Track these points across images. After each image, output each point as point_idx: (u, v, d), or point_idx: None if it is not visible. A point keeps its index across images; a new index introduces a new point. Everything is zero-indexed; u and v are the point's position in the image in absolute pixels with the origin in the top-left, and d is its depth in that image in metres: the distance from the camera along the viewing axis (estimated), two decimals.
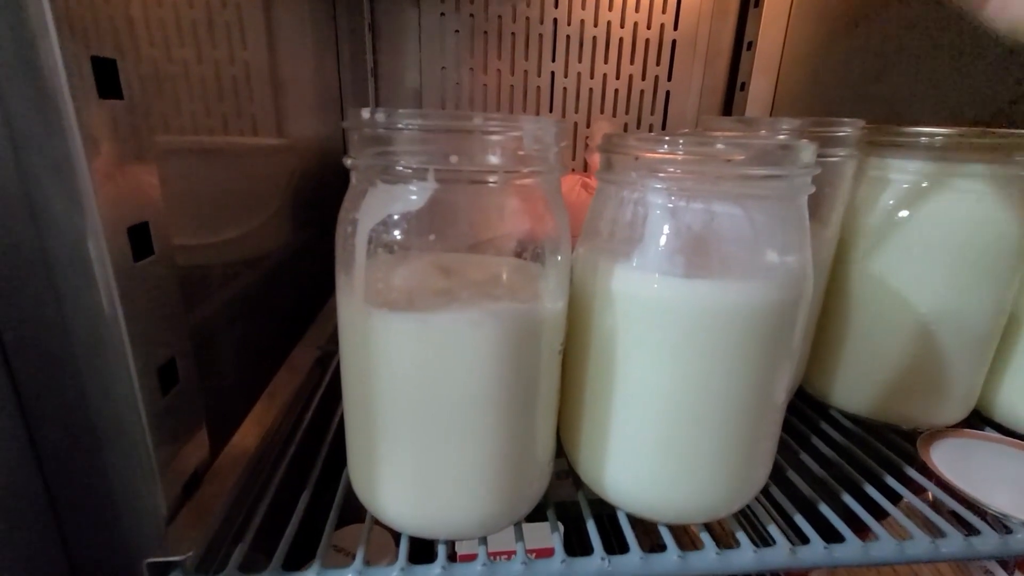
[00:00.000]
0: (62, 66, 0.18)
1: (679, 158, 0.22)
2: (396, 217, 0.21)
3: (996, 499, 0.29)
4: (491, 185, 0.21)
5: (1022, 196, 0.32)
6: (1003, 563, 0.46)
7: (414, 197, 0.21)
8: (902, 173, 0.33)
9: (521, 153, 0.21)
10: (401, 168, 0.20)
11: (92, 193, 0.19)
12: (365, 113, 0.21)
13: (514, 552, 0.25)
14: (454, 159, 0.20)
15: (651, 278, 0.24)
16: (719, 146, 0.23)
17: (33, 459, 0.22)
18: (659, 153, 0.23)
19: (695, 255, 0.23)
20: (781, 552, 0.26)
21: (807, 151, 0.23)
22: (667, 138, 0.23)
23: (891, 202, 0.34)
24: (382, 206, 0.21)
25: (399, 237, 0.21)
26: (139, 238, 0.22)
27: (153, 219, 0.23)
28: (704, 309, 0.23)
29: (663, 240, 0.23)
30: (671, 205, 0.23)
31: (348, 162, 0.22)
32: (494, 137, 0.20)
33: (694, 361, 0.24)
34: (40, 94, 0.18)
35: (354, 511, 0.28)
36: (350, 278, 0.22)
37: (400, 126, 0.20)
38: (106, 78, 0.20)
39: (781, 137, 0.32)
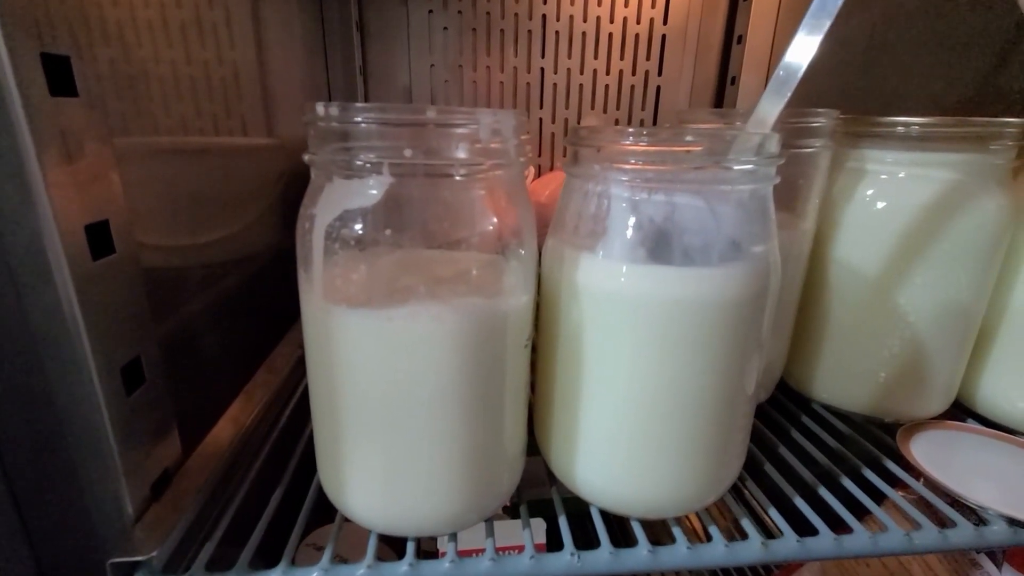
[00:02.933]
0: (8, 63, 0.18)
1: (640, 149, 0.22)
2: (353, 212, 0.21)
3: (975, 490, 0.29)
4: (449, 179, 0.21)
5: (999, 185, 0.32)
6: (992, 556, 0.46)
7: (371, 192, 0.20)
8: (879, 164, 0.33)
9: (479, 146, 0.21)
10: (357, 162, 0.20)
11: (44, 191, 0.19)
12: (320, 108, 0.20)
13: (484, 549, 0.25)
14: (408, 152, 0.20)
15: (616, 271, 0.23)
16: (685, 137, 0.23)
17: None
18: (620, 145, 0.22)
19: (659, 247, 0.23)
20: (753, 546, 0.26)
21: (771, 141, 0.23)
22: (631, 130, 0.23)
23: (868, 193, 0.33)
24: (339, 201, 0.21)
25: (357, 232, 0.21)
26: (98, 236, 0.22)
27: (114, 217, 0.23)
28: (669, 301, 0.23)
29: (627, 232, 0.23)
30: (634, 197, 0.23)
31: (306, 157, 0.22)
32: (449, 130, 0.20)
33: (660, 354, 0.24)
34: None
35: (332, 511, 0.28)
36: (309, 275, 0.22)
37: (355, 120, 0.20)
38: (59, 75, 0.20)
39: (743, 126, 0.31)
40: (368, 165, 0.20)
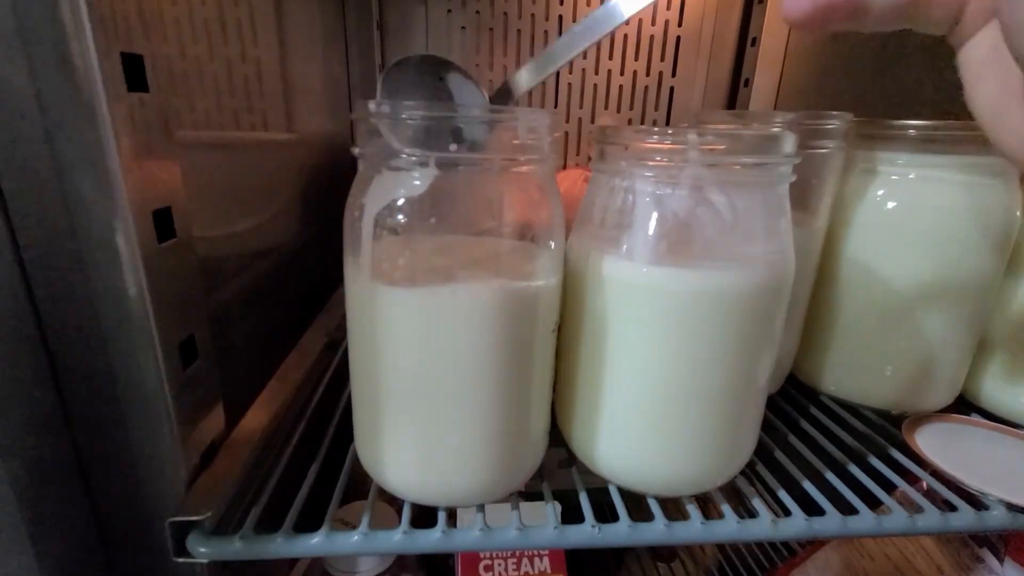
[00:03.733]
0: (96, 61, 0.20)
1: (665, 147, 0.23)
2: (400, 202, 0.22)
3: (976, 478, 0.30)
4: (489, 172, 0.23)
5: (1006, 186, 0.33)
6: (993, 549, 0.47)
7: (417, 183, 0.22)
8: (890, 165, 0.34)
9: (516, 142, 0.23)
10: (405, 156, 0.22)
11: (121, 179, 0.21)
12: (372, 105, 0.22)
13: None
14: (453, 147, 0.22)
15: (639, 263, 0.25)
16: (706, 137, 0.24)
17: (65, 426, 0.24)
18: (647, 143, 0.24)
19: (680, 241, 0.24)
20: (763, 523, 0.27)
21: (788, 141, 0.24)
22: (656, 129, 0.24)
23: (879, 193, 0.35)
24: (387, 191, 0.23)
25: (403, 220, 0.23)
26: (162, 222, 0.24)
27: (175, 204, 0.25)
28: (689, 293, 0.24)
29: (650, 226, 0.25)
30: (658, 192, 0.24)
31: (356, 151, 0.24)
32: (491, 127, 0.22)
33: (679, 343, 0.25)
34: (74, 87, 0.20)
35: (360, 491, 0.30)
36: (357, 259, 0.24)
37: (403, 117, 0.22)
38: (134, 72, 0.22)
39: (765, 128, 0.33)
40: (415, 158, 0.22)
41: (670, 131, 0.24)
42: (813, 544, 0.56)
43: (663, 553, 0.67)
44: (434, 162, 0.22)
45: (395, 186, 0.22)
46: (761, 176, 0.24)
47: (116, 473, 0.25)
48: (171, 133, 0.25)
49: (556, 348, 0.29)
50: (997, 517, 0.28)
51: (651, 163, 0.24)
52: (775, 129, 0.34)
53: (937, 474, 0.31)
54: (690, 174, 0.23)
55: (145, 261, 0.23)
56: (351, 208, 0.24)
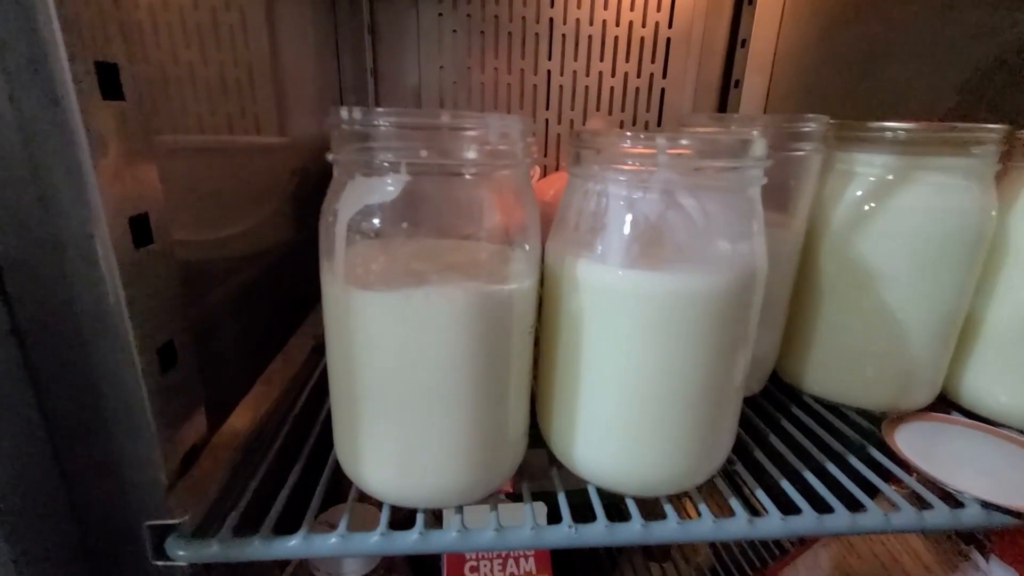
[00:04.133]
0: (68, 71, 0.20)
1: (636, 152, 0.24)
2: (373, 207, 0.23)
3: (954, 476, 0.31)
4: (461, 177, 0.23)
5: (982, 188, 0.33)
6: (980, 547, 0.47)
7: (389, 188, 0.22)
8: (868, 167, 0.35)
9: (488, 148, 0.23)
10: (377, 162, 0.22)
11: (96, 185, 0.21)
12: (344, 112, 0.22)
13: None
14: (424, 153, 0.22)
15: (612, 265, 0.25)
16: (676, 141, 0.25)
17: (45, 430, 0.24)
18: (618, 147, 0.24)
19: (653, 244, 0.25)
20: (739, 522, 0.27)
21: (757, 145, 0.24)
22: (628, 134, 0.25)
23: (857, 194, 0.35)
24: (360, 197, 0.23)
25: (376, 225, 0.23)
26: (140, 228, 0.24)
27: (153, 210, 0.25)
28: (661, 295, 0.25)
29: (624, 229, 0.25)
30: (630, 196, 0.24)
31: (330, 157, 0.24)
32: (462, 133, 0.22)
33: (653, 343, 0.25)
34: (49, 96, 0.20)
35: (342, 494, 0.30)
36: (332, 263, 0.24)
37: (375, 123, 0.22)
38: (109, 81, 0.22)
39: (738, 132, 0.33)
40: (387, 164, 0.22)
41: (643, 135, 0.24)
42: (804, 543, 0.57)
43: (657, 553, 0.67)
44: (406, 168, 0.22)
45: (368, 192, 0.23)
46: (731, 180, 0.24)
47: (96, 477, 0.26)
48: (149, 140, 0.25)
49: (535, 349, 0.29)
50: (972, 515, 0.29)
51: (623, 167, 0.24)
52: (749, 133, 0.34)
53: (915, 472, 0.32)
54: (661, 178, 0.24)
55: (121, 267, 0.23)
56: (325, 213, 0.24)
